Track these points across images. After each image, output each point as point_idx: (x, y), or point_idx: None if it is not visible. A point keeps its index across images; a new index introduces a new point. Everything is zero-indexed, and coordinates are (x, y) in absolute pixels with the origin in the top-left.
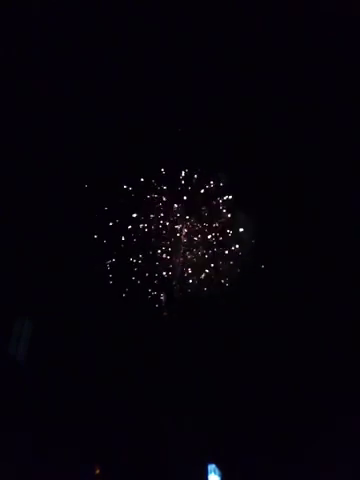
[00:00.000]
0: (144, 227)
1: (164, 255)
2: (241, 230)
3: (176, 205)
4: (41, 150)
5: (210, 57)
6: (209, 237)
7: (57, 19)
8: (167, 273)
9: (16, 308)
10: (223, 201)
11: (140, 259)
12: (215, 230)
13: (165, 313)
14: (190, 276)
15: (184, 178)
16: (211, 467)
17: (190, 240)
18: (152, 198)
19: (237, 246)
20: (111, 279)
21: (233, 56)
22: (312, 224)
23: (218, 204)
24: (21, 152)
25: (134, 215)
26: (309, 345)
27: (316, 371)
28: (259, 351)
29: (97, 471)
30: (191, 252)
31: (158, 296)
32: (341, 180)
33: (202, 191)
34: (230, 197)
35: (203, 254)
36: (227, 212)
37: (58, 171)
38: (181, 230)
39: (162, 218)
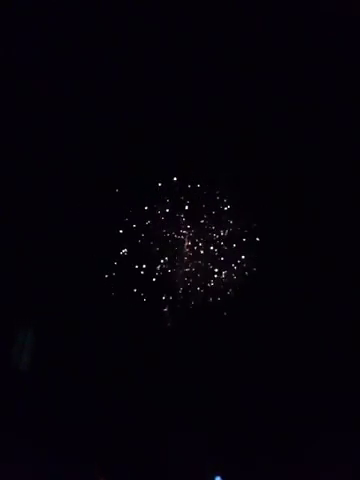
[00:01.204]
0: (146, 237)
1: (166, 265)
2: (244, 238)
3: (177, 214)
4: (41, 150)
5: (210, 57)
6: (212, 248)
7: (57, 19)
8: (170, 283)
9: (18, 318)
10: (225, 210)
11: (142, 269)
12: (218, 239)
13: (169, 324)
14: (193, 286)
15: (185, 185)
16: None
17: (192, 250)
18: (154, 207)
19: (242, 257)
20: (113, 290)
21: (233, 56)
22: (312, 224)
23: (220, 213)
24: (21, 152)
25: (134, 225)
26: (309, 345)
27: (316, 371)
28: (260, 351)
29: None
30: (194, 262)
31: (161, 306)
32: (341, 180)
33: (204, 199)
34: (232, 205)
35: (206, 264)
36: (229, 220)
37: (58, 171)
38: (183, 239)
39: (164, 227)
